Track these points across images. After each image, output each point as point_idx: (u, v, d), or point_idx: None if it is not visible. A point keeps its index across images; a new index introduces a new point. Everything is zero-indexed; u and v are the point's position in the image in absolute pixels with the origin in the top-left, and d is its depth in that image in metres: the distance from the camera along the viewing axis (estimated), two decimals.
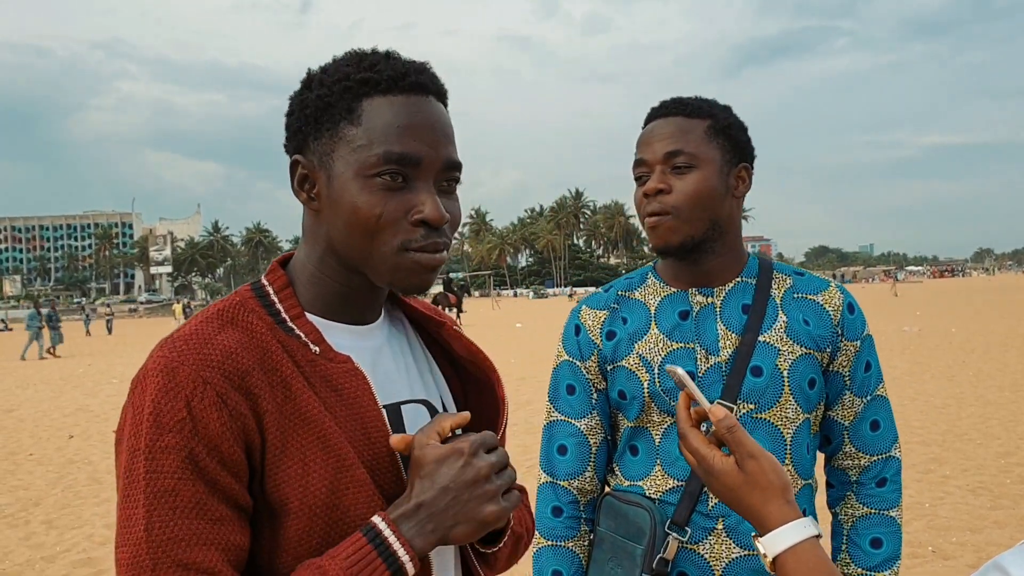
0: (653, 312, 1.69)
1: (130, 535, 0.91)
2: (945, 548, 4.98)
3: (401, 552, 0.92)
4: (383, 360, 1.13)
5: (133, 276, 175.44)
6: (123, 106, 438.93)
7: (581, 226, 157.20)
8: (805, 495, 1.63)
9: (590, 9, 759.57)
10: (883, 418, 1.70)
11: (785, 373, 1.60)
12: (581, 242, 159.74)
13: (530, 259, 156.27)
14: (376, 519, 0.94)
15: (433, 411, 1.16)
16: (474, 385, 1.25)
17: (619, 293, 1.76)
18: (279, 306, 1.06)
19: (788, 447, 1.61)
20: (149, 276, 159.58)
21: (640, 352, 1.66)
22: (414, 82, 1.03)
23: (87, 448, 9.40)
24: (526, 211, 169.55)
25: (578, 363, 1.74)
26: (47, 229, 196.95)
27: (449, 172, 1.05)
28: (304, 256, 1.11)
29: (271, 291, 1.08)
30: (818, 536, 1.02)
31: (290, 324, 1.05)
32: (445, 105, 1.09)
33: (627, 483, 1.68)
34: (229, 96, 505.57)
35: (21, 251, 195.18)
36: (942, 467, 6.90)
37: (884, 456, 1.69)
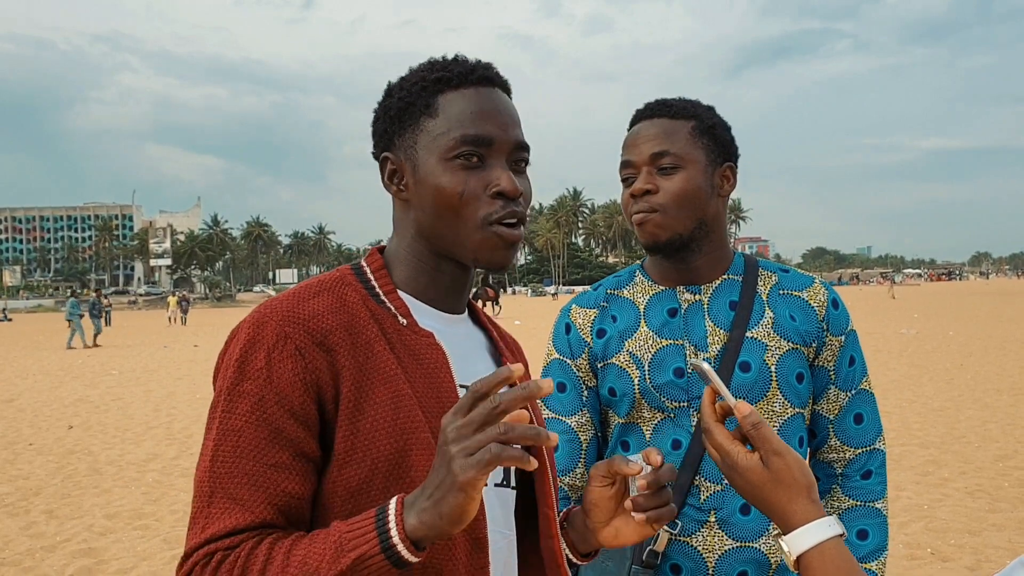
0: (642, 310, 1.72)
1: (202, 461, 1.03)
2: (944, 550, 5.01)
3: (394, 530, 0.90)
4: (465, 346, 1.21)
5: (133, 268, 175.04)
6: (124, 99, 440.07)
7: (580, 225, 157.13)
8: None
9: (592, 9, 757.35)
10: (867, 412, 1.73)
11: (773, 368, 1.63)
12: (580, 241, 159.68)
13: (529, 257, 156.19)
14: (393, 498, 0.93)
15: None
16: None
17: (608, 292, 1.79)
18: (374, 282, 1.16)
19: None
20: (149, 268, 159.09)
21: (630, 349, 1.69)
22: (482, 75, 1.15)
23: (87, 438, 9.43)
24: None
25: (568, 361, 1.77)
26: (47, 220, 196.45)
27: (519, 152, 1.15)
28: (395, 244, 1.21)
29: (368, 270, 1.18)
30: (842, 535, 1.01)
31: (382, 297, 1.14)
32: (510, 95, 1.21)
33: None
34: (230, 90, 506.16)
35: (21, 242, 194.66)
36: (941, 469, 6.93)
37: (869, 449, 1.72)
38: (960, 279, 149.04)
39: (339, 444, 1.03)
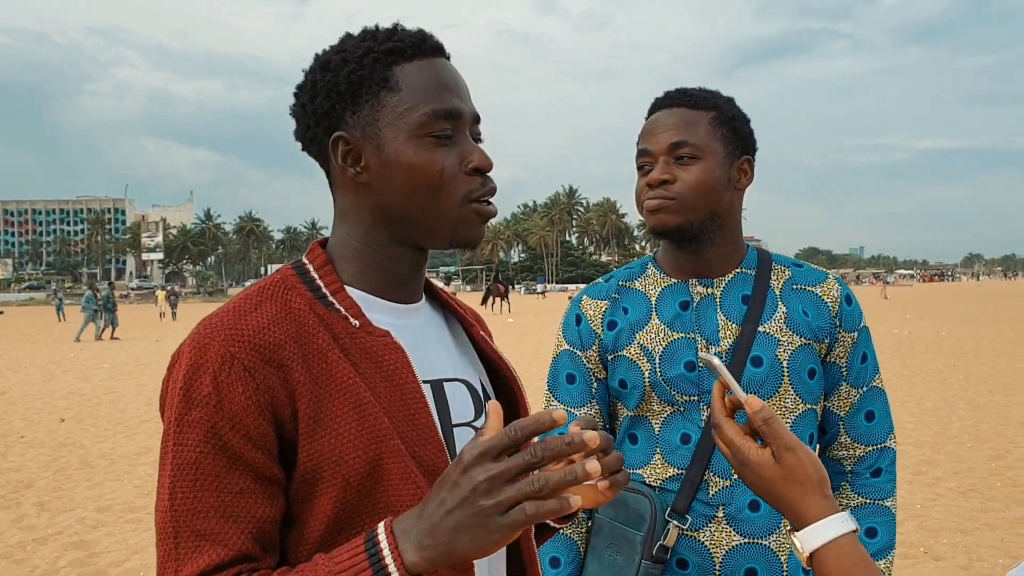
0: (654, 302, 1.70)
1: (160, 502, 0.96)
2: (936, 549, 5.03)
3: (391, 566, 0.84)
4: (425, 338, 1.15)
5: (125, 262, 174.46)
6: (119, 93, 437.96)
7: (574, 223, 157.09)
8: None
9: (588, 6, 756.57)
10: (878, 409, 1.72)
11: (785, 363, 1.62)
12: (574, 239, 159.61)
13: (522, 255, 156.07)
14: (380, 525, 0.87)
15: (474, 391, 1.17)
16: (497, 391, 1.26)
17: (620, 283, 1.77)
18: (319, 282, 1.08)
19: None
20: (141, 262, 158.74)
21: (641, 342, 1.67)
22: (433, 45, 1.11)
23: (79, 432, 9.38)
24: (519, 207, 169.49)
25: (578, 352, 1.75)
26: (40, 213, 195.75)
27: (477, 124, 1.12)
28: (345, 234, 1.13)
29: (311, 268, 1.10)
30: (856, 531, 1.00)
31: (330, 299, 1.07)
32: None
33: None
34: (225, 85, 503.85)
35: (13, 235, 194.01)
36: (933, 469, 6.95)
37: (879, 446, 1.71)
38: (952, 280, 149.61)
39: (305, 464, 0.97)
